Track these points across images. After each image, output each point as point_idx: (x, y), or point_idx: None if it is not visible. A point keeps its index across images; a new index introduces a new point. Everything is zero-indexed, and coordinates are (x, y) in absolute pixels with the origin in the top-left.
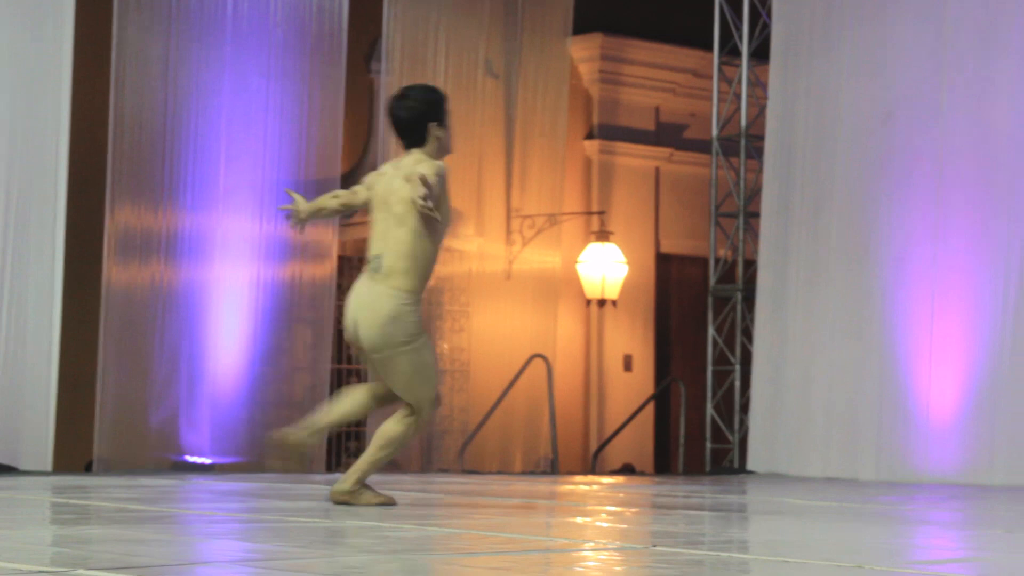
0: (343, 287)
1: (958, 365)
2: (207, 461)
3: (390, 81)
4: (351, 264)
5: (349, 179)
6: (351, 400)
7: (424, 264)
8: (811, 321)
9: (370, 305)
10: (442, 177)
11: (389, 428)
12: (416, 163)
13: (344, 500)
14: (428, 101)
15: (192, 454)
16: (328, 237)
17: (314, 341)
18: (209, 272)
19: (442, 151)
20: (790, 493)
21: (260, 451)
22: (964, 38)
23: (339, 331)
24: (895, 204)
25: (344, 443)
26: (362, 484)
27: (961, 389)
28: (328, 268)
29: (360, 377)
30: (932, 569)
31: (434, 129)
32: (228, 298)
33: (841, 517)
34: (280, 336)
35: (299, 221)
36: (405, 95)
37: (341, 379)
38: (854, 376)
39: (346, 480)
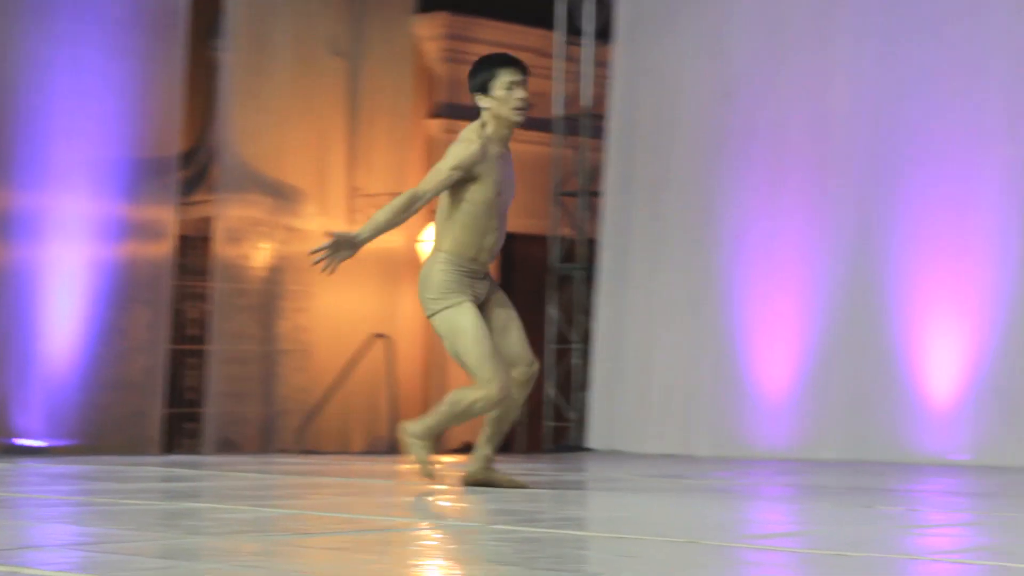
0: (183, 267)
1: (792, 342)
2: (40, 444)
3: (232, 59)
4: (191, 243)
5: (189, 158)
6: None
7: (462, 228)
8: (651, 299)
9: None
10: (463, 163)
11: (457, 391)
12: (456, 142)
13: (401, 438)
14: (472, 72)
15: (24, 437)
16: (166, 216)
17: (151, 321)
18: (43, 252)
19: (498, 119)
20: (628, 470)
21: (96, 433)
22: (801, 19)
23: (177, 311)
24: (734, 182)
25: (182, 424)
26: (424, 438)
27: (795, 365)
28: (166, 247)
29: (199, 358)
30: (763, 543)
31: (480, 100)
32: (63, 278)
33: (677, 493)
34: (116, 316)
35: (350, 251)
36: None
37: (180, 359)
38: (692, 353)
39: (416, 423)
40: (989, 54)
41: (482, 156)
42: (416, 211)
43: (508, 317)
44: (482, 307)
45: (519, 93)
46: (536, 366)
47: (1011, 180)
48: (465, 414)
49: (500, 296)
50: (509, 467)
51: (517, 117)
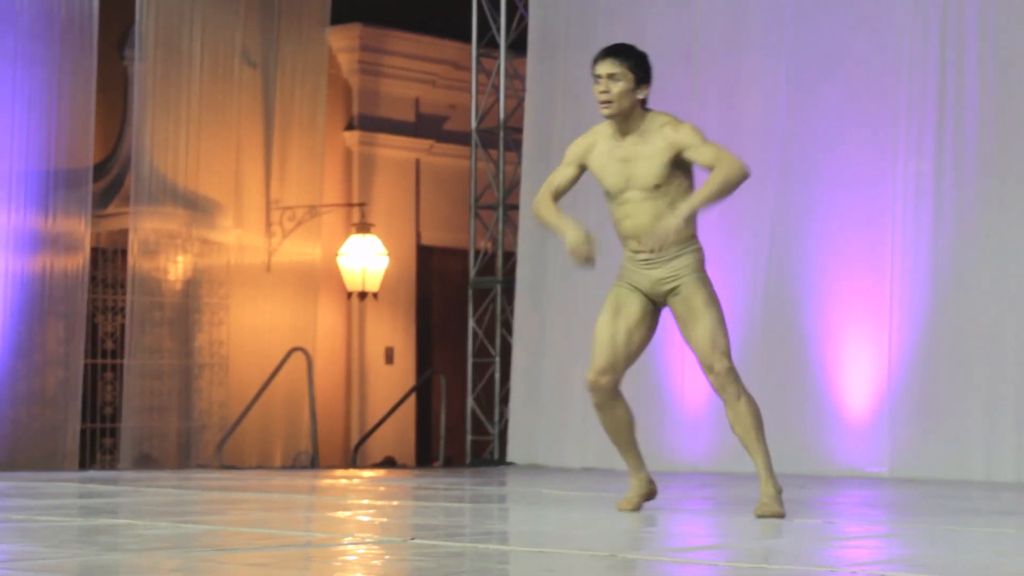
0: (96, 279)
1: None
2: None
3: (144, 68)
4: (105, 256)
5: (101, 169)
6: None
7: (614, 223)
8: (569, 313)
9: None
10: (567, 157)
11: None
12: None
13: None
14: None
15: None
16: (80, 228)
17: (67, 335)
18: None
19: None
20: (549, 484)
21: (11, 448)
22: (714, 35)
23: (93, 325)
24: None
25: (99, 439)
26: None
27: None
28: (80, 260)
29: (115, 372)
30: (684, 556)
31: None
32: None
33: (598, 506)
34: (31, 330)
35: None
36: None
37: (95, 373)
38: None
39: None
40: (898, 70)
41: (586, 151)
42: (546, 201)
43: (690, 313)
44: (668, 298)
45: (598, 87)
46: (718, 368)
47: (921, 194)
48: (601, 424)
49: (689, 290)
50: (429, 480)
51: (601, 111)
